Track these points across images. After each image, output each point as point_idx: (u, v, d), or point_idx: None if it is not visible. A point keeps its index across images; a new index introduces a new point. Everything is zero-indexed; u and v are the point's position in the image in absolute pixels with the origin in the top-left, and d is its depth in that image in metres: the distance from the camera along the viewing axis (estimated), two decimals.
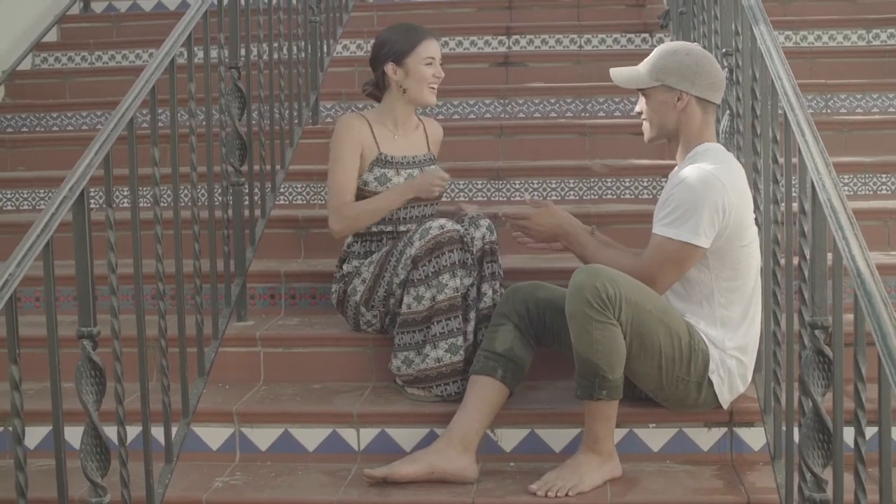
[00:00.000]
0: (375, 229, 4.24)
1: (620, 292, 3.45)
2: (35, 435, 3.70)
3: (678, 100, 3.70)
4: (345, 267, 4.25)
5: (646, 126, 3.82)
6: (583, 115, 6.03)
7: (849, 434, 2.68)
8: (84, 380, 3.00)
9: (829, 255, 2.88)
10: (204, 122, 4.17)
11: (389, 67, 4.24)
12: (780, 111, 3.40)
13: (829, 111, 5.88)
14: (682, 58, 3.73)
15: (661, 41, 6.59)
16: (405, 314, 3.99)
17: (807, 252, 3.04)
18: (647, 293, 3.56)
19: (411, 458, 3.72)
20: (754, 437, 3.81)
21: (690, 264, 3.61)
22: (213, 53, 4.31)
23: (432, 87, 4.28)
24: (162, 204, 3.66)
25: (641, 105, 3.83)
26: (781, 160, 3.43)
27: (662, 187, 5.12)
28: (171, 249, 3.74)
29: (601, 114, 6.02)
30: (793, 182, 3.32)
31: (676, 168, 3.77)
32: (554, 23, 6.94)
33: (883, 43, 6.60)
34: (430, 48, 4.27)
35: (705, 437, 3.84)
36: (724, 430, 3.83)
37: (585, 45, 6.77)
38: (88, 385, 3.01)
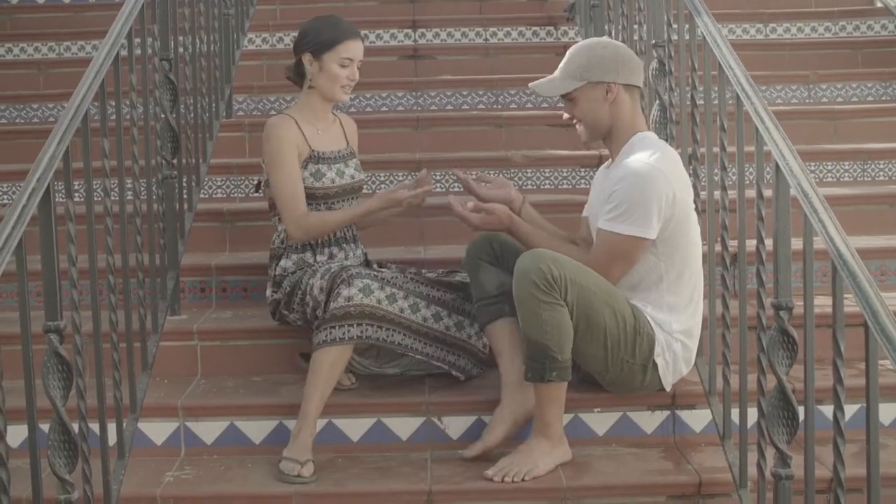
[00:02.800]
0: None
1: (565, 273, 3.51)
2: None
3: (608, 92, 3.76)
4: (277, 272, 4.16)
5: (580, 129, 3.86)
6: (495, 106, 6.09)
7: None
8: (51, 374, 2.93)
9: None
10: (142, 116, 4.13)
11: (307, 57, 4.18)
12: (728, 100, 3.49)
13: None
14: (600, 51, 3.79)
15: (565, 34, 6.69)
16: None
17: (765, 236, 3.13)
18: (592, 275, 3.62)
19: (495, 423, 3.78)
20: (697, 419, 3.91)
21: (638, 255, 3.69)
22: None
23: (343, 87, 4.22)
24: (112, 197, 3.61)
25: (569, 110, 3.86)
26: (731, 148, 3.51)
27: (581, 176, 5.24)
28: (116, 244, 3.69)
29: (513, 105, 6.09)
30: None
31: (615, 160, 3.82)
32: (458, 16, 6.99)
33: (779, 36, 6.80)
34: (351, 49, 4.19)
35: (649, 420, 3.93)
36: (666, 412, 3.92)
37: (491, 38, 6.82)
38: (56, 380, 2.94)
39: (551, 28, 6.79)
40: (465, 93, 6.10)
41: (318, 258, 4.16)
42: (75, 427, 3.07)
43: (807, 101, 6.12)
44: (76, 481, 3.09)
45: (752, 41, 6.74)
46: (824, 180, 5.40)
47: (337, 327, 3.84)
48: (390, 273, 4.08)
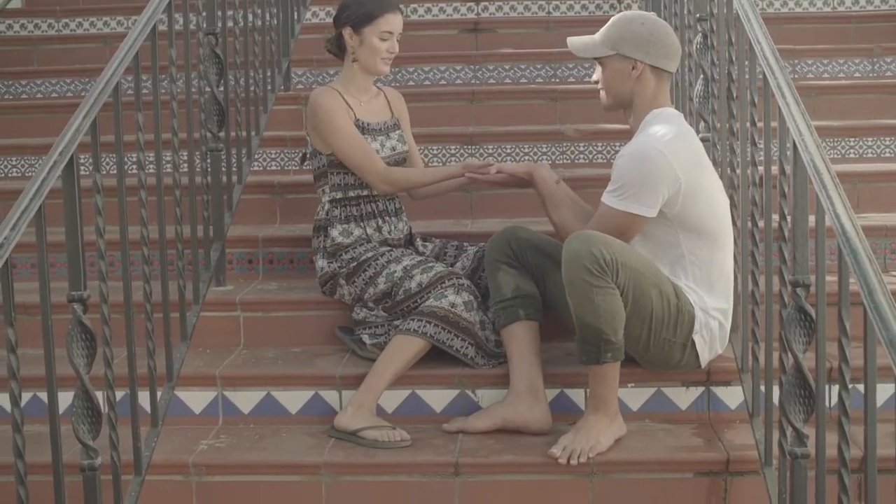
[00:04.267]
0: (353, 194, 4.24)
1: (616, 257, 3.49)
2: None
3: (633, 68, 3.74)
4: (328, 244, 4.22)
5: (602, 94, 3.87)
6: (553, 80, 6.07)
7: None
8: (75, 343, 3.01)
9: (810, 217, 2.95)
10: (183, 89, 4.18)
11: (347, 31, 4.22)
12: (758, 75, 3.46)
13: (796, 76, 5.95)
14: (637, 27, 3.76)
15: (629, 7, 6.65)
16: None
17: (787, 213, 3.11)
18: (638, 256, 3.62)
19: (484, 413, 3.85)
20: (731, 396, 3.89)
21: (635, 231, 3.68)
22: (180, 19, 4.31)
23: (384, 59, 4.25)
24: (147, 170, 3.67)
25: (598, 74, 3.87)
26: (760, 123, 3.48)
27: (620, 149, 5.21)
28: (152, 215, 3.75)
29: (571, 79, 6.06)
30: (772, 145, 3.38)
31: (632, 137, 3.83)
32: None
33: (847, 9, 6.69)
34: (391, 22, 4.22)
35: (683, 397, 3.91)
36: (701, 389, 3.90)
37: (554, 11, 6.81)
38: (79, 349, 3.02)
39: (614, 1, 6.74)
40: (523, 66, 6.09)
41: (368, 231, 4.20)
42: (104, 397, 3.15)
43: (870, 75, 6.01)
44: (102, 448, 3.17)
45: (818, 14, 6.64)
46: (882, 155, 5.31)
47: (432, 324, 3.92)
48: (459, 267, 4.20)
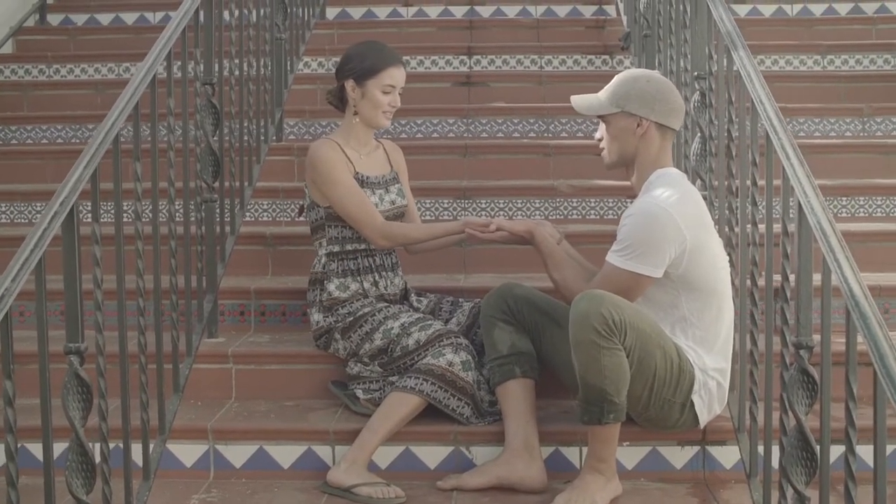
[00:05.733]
0: (350, 247, 4.22)
1: (625, 318, 3.48)
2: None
3: (638, 126, 3.75)
4: (324, 297, 4.19)
5: (605, 153, 3.87)
6: (546, 135, 6.07)
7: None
8: (71, 396, 2.97)
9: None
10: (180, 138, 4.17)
11: (349, 84, 4.22)
12: (759, 134, 3.46)
13: None
14: (643, 85, 3.77)
15: (620, 63, 6.68)
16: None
17: (790, 273, 3.10)
18: (645, 317, 3.60)
19: (479, 470, 3.82)
20: (727, 456, 3.87)
21: (640, 291, 3.67)
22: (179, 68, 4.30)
23: (385, 113, 4.25)
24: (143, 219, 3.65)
25: (602, 132, 3.87)
26: (761, 182, 3.48)
27: (627, 208, 5.21)
28: (148, 265, 3.72)
29: (564, 134, 6.07)
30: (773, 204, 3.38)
31: (637, 196, 3.82)
32: (514, 43, 7.01)
33: (837, 69, 6.73)
34: (394, 76, 4.23)
35: (678, 456, 3.89)
36: (696, 448, 3.88)
37: (546, 65, 6.83)
38: (75, 401, 2.98)
39: (607, 57, 6.77)
40: (515, 121, 6.10)
41: (365, 286, 4.18)
42: (97, 448, 3.10)
43: (860, 134, 6.04)
44: (96, 502, 3.12)
45: (808, 73, 6.68)
46: (874, 215, 5.34)
47: (429, 382, 3.89)
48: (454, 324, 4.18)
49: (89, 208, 3.27)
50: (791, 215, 3.10)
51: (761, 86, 3.46)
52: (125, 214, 3.50)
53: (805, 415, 2.96)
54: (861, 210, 5.31)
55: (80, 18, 7.82)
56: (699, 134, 4.32)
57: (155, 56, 3.79)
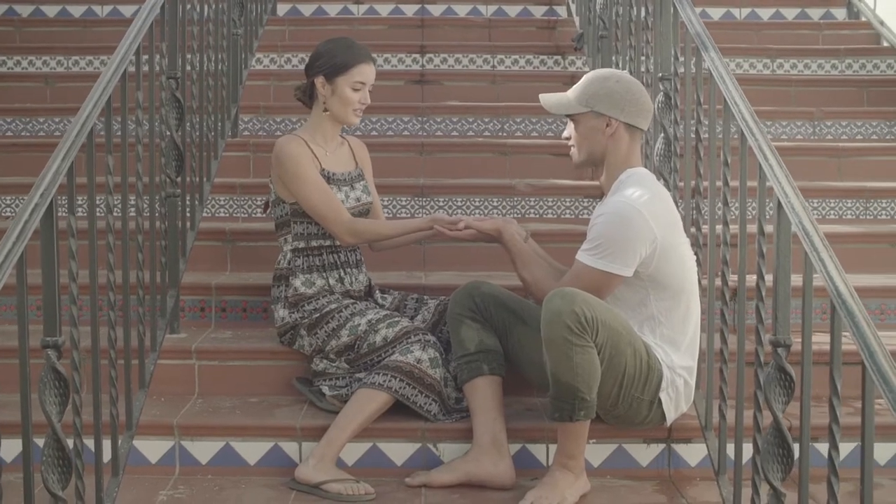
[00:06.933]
0: (315, 244, 4.21)
1: (597, 316, 3.50)
2: None
3: (607, 126, 3.77)
4: (289, 293, 4.18)
5: (573, 151, 3.88)
6: (500, 134, 6.09)
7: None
8: (48, 390, 2.94)
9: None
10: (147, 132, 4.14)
11: (319, 80, 4.21)
12: (732, 135, 3.50)
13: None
14: (612, 85, 3.79)
15: (573, 63, 6.71)
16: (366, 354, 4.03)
17: (765, 272, 3.14)
18: (616, 315, 3.63)
19: (448, 466, 3.82)
20: (692, 453, 3.91)
21: (610, 290, 3.70)
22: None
23: (355, 111, 4.25)
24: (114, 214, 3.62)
25: (570, 131, 3.88)
26: (734, 183, 3.52)
27: (584, 207, 5.26)
28: (117, 260, 3.69)
29: (518, 133, 6.09)
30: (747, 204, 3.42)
31: (605, 196, 3.85)
32: (467, 42, 7.01)
33: (787, 72, 6.82)
34: (364, 73, 4.23)
35: (644, 453, 3.93)
36: (662, 446, 3.92)
37: (499, 65, 6.84)
38: (52, 396, 2.95)
39: (559, 57, 6.80)
40: (470, 119, 6.11)
41: (331, 282, 4.18)
42: (70, 443, 3.07)
43: (811, 137, 6.12)
44: (69, 498, 3.09)
45: (758, 76, 6.75)
46: (827, 217, 5.41)
47: (397, 379, 3.88)
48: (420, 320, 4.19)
49: (63, 201, 3.23)
50: (768, 215, 3.14)
51: (735, 87, 3.51)
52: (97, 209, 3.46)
53: (782, 412, 3.00)
54: (814, 212, 5.38)
55: (25, 10, 7.66)
56: (662, 134, 4.35)
57: (125, 49, 3.75)
